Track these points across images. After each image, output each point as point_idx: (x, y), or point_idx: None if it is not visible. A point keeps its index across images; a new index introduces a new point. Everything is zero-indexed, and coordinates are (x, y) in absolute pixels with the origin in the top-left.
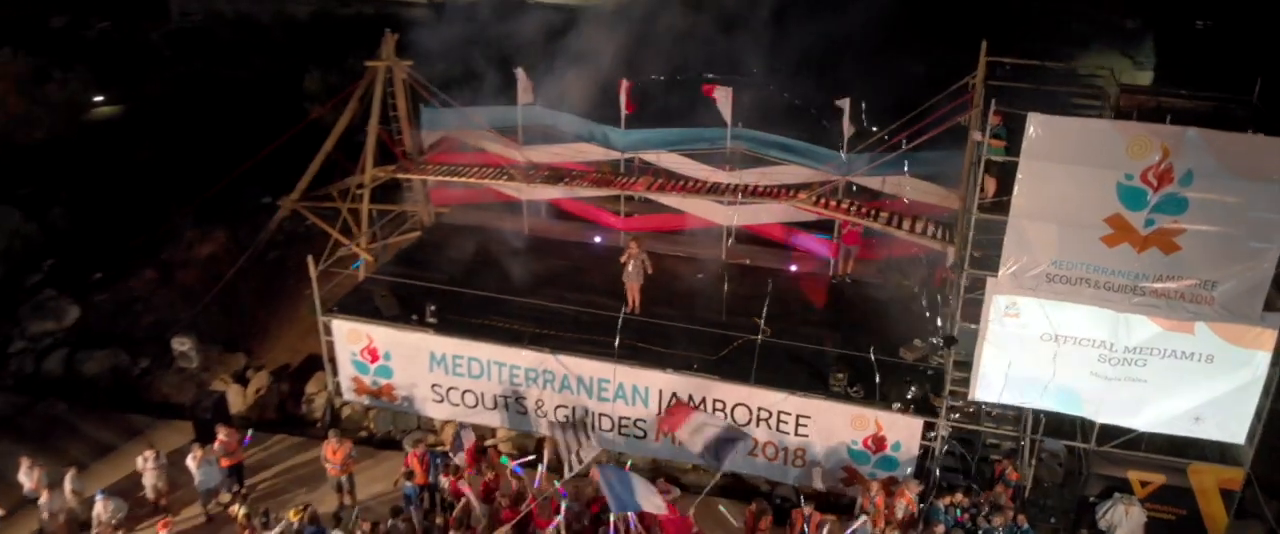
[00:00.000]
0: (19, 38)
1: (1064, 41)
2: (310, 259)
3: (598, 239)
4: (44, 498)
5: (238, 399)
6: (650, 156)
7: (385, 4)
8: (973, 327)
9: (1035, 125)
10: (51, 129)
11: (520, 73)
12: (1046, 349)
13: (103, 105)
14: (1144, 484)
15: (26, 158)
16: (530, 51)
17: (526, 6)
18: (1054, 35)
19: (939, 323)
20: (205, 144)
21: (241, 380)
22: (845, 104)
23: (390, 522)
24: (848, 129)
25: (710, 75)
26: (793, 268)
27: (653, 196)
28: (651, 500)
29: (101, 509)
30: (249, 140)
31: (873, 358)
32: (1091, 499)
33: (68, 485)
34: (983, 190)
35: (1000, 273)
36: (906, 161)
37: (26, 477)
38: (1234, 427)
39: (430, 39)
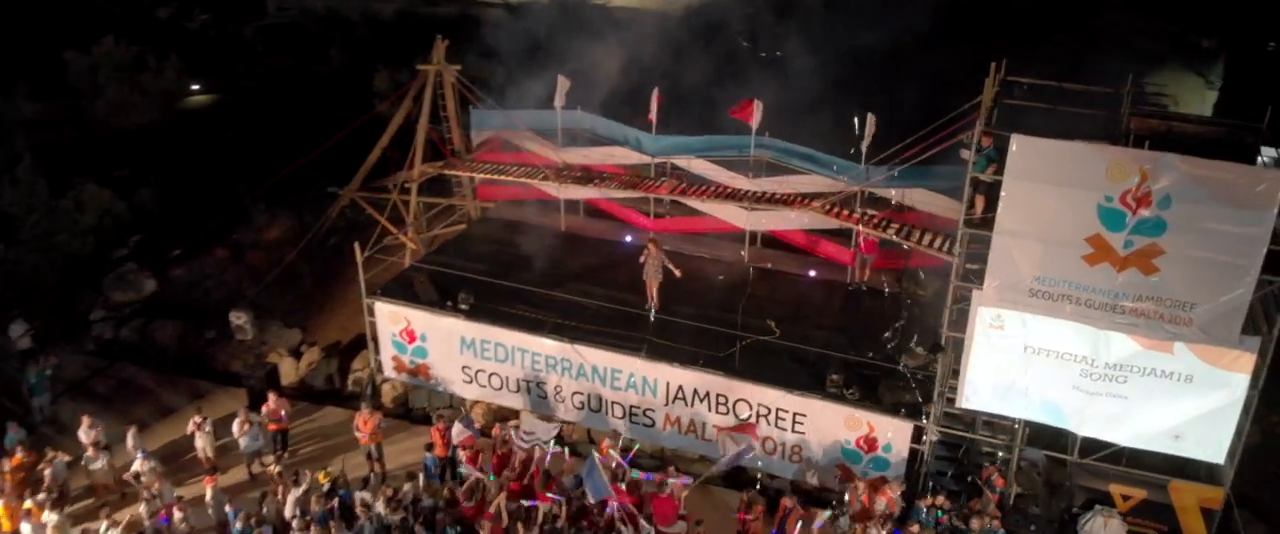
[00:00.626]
0: (124, 27)
1: (1138, 58)
2: (357, 245)
3: (628, 238)
4: (90, 453)
5: (290, 371)
6: (681, 162)
7: (468, 4)
8: (961, 336)
9: (1017, 145)
10: (147, 115)
11: (560, 78)
12: (1030, 361)
13: (196, 94)
14: (1125, 498)
15: (123, 142)
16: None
17: (591, 9)
18: (1129, 52)
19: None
20: (281, 134)
21: (295, 354)
22: (871, 118)
23: (406, 487)
24: (867, 140)
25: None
26: (812, 273)
27: (679, 200)
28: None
29: (139, 466)
30: (319, 132)
31: (870, 360)
32: (1074, 510)
33: (129, 442)
34: (972, 207)
35: (985, 286)
36: (921, 175)
37: (85, 434)
38: (1213, 446)
39: (500, 40)
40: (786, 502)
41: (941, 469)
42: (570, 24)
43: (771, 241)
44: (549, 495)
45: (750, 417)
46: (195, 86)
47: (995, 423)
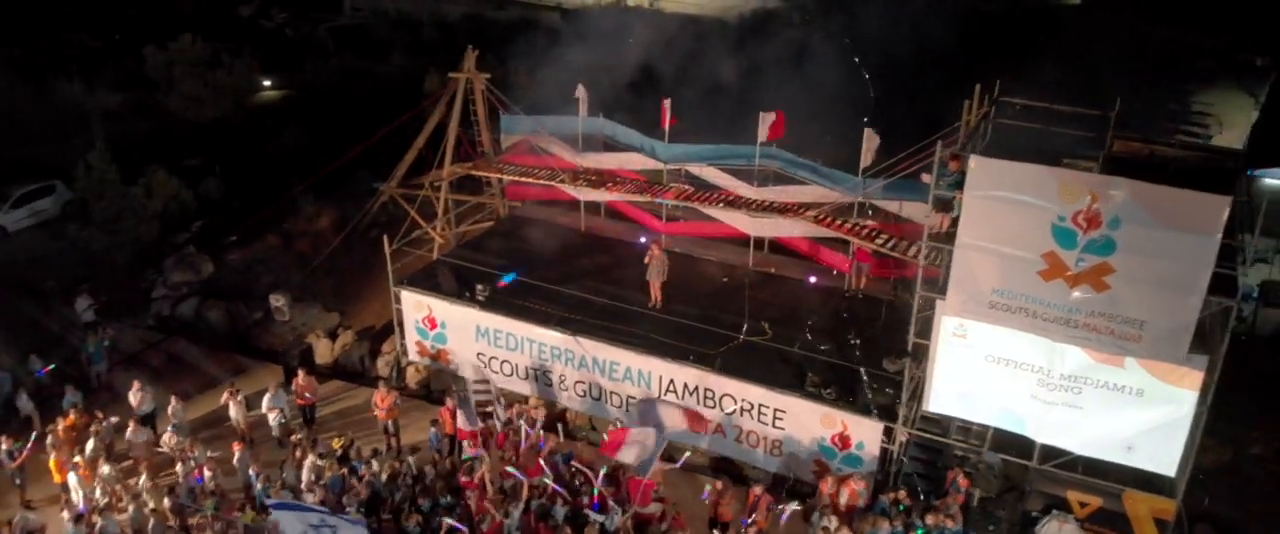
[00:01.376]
0: (205, 25)
1: (1190, 76)
2: (386, 237)
3: (643, 240)
4: (132, 428)
5: (325, 352)
6: (695, 169)
7: (534, 9)
8: (928, 343)
9: (975, 165)
10: (218, 109)
11: (580, 87)
12: (990, 370)
13: (267, 90)
14: (1083, 505)
15: (195, 133)
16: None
17: (644, 14)
18: (1181, 70)
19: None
20: (337, 131)
21: (332, 336)
22: (869, 133)
23: (409, 459)
24: (867, 155)
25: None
26: (812, 279)
27: (683, 205)
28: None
29: (167, 438)
30: (371, 130)
31: (850, 363)
32: (1033, 514)
33: (170, 410)
34: (944, 224)
35: (948, 297)
36: (912, 188)
37: (134, 397)
38: (1164, 459)
39: (551, 47)
40: (756, 490)
41: (918, 470)
42: (620, 29)
43: (778, 248)
44: (535, 472)
45: (734, 411)
46: (266, 83)
47: (970, 427)
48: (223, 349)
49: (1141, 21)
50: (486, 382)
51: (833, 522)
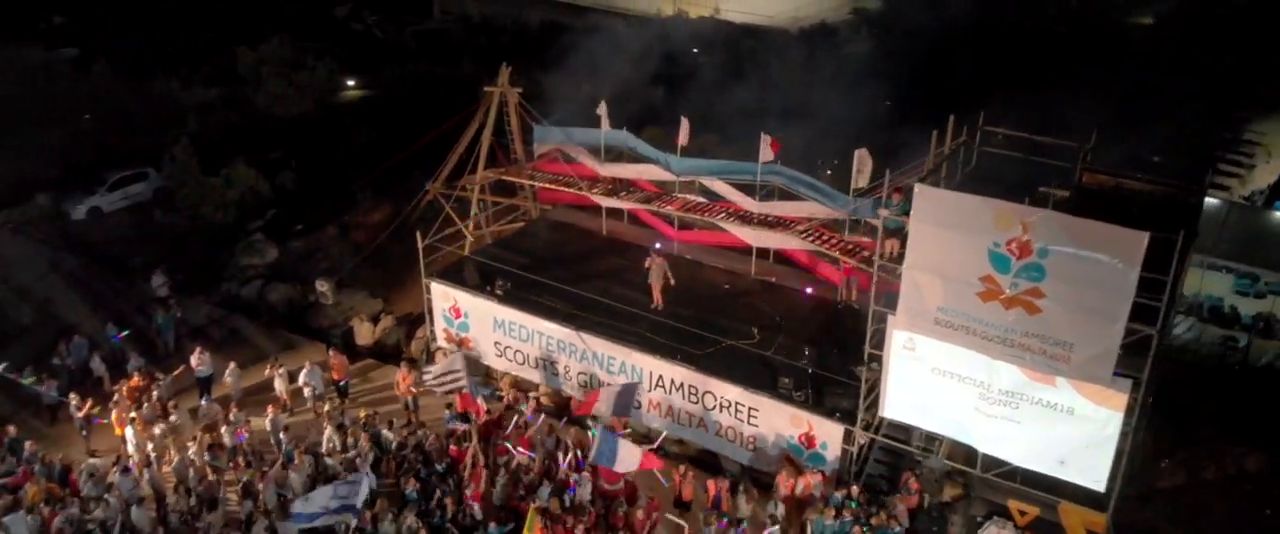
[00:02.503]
0: (299, 25)
1: (1252, 105)
2: (418, 233)
3: (657, 246)
4: (204, 403)
5: (367, 334)
6: (707, 181)
7: (614, 17)
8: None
9: (919, 194)
10: (300, 107)
11: (602, 103)
12: (937, 381)
13: (350, 89)
14: (1022, 513)
15: (279, 128)
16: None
17: (711, 24)
18: (1242, 100)
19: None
20: (403, 131)
21: (374, 320)
22: (860, 154)
23: (418, 432)
24: (858, 176)
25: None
26: (808, 290)
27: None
28: (627, 463)
29: (204, 408)
30: (428, 132)
31: (812, 370)
32: (979, 519)
33: (227, 377)
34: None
35: (898, 313)
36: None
37: (194, 360)
38: (1094, 474)
39: (613, 54)
40: (712, 484)
41: (882, 472)
42: (685, 39)
43: (782, 259)
44: (521, 450)
45: (715, 408)
46: (350, 83)
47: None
48: (278, 327)
49: (1209, 46)
50: (457, 372)
51: (780, 509)
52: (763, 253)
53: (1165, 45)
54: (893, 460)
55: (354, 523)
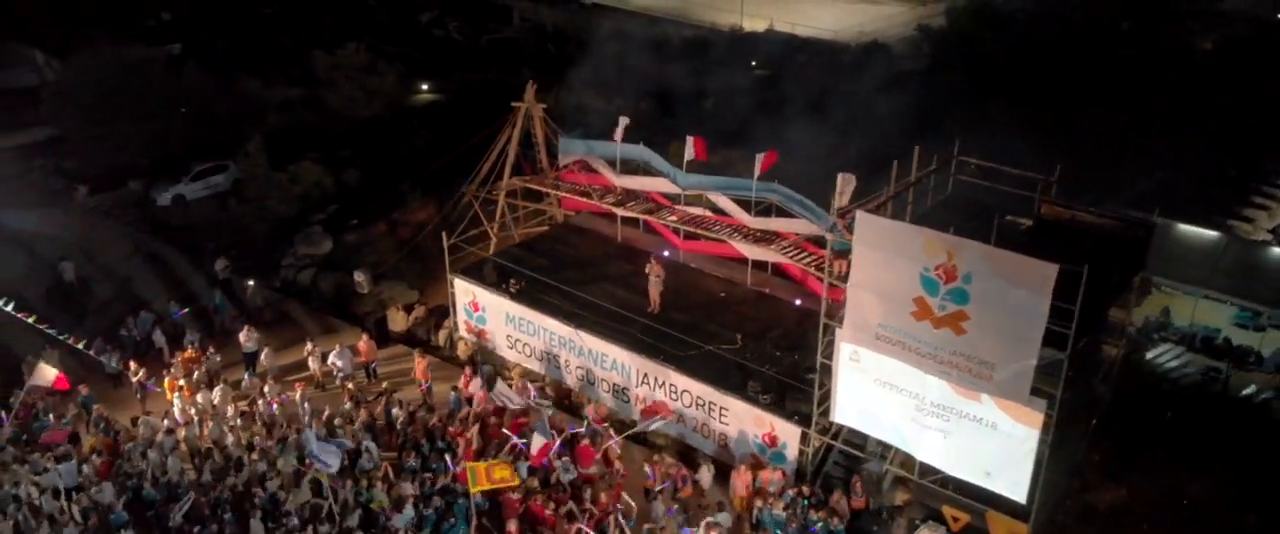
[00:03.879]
0: (383, 29)
1: None
2: (444, 233)
3: (666, 253)
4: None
5: (400, 322)
6: (712, 195)
7: (685, 27)
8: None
9: (860, 220)
10: (370, 110)
11: (621, 119)
12: (879, 391)
13: (423, 93)
14: (955, 519)
15: (350, 129)
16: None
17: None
18: None
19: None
20: (456, 137)
21: (408, 309)
22: (843, 177)
23: (422, 411)
24: (840, 196)
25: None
26: (797, 302)
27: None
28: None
29: (247, 382)
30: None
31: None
32: (916, 522)
33: (263, 358)
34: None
35: (843, 327)
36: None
37: (243, 337)
38: (1016, 486)
39: (666, 64)
40: (672, 470)
41: (839, 473)
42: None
43: (779, 272)
44: (514, 438)
45: (691, 405)
46: (424, 87)
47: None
48: (325, 312)
49: (1262, 74)
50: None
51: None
52: (761, 265)
53: (1220, 71)
54: (850, 463)
55: (332, 470)
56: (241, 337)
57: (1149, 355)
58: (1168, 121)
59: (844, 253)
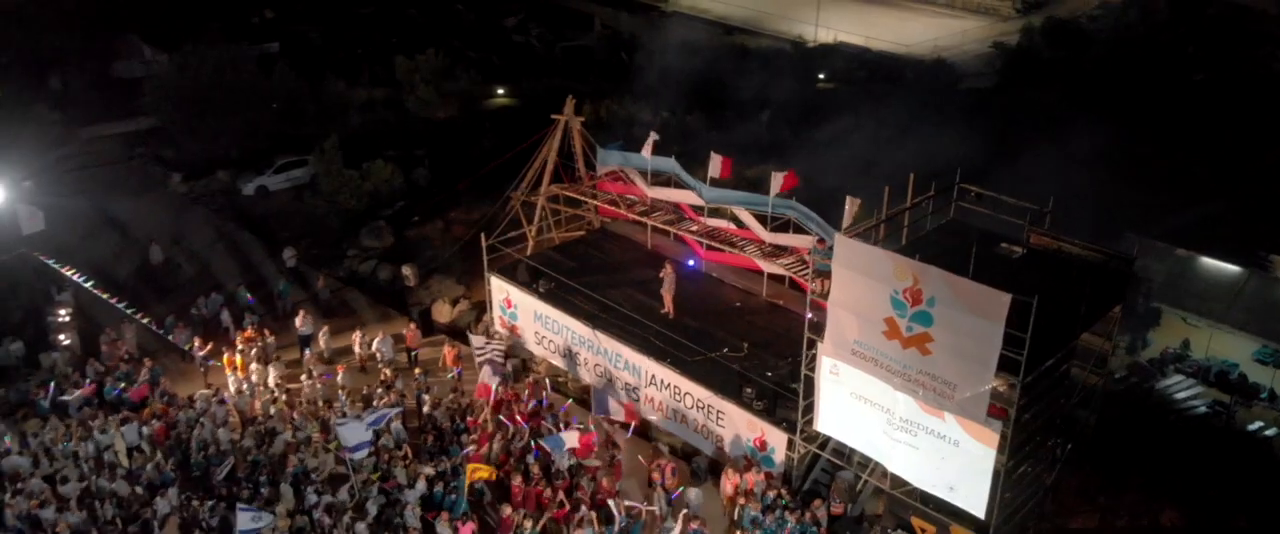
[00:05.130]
0: (467, 34)
1: None
2: (483, 234)
3: (691, 262)
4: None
5: (445, 314)
6: (734, 209)
7: (761, 38)
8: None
9: (838, 243)
10: (445, 112)
11: (651, 134)
12: (856, 404)
13: (497, 98)
14: (923, 530)
15: (424, 130)
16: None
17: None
18: None
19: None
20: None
21: (454, 303)
22: (852, 200)
23: (446, 398)
24: (848, 216)
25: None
26: (809, 315)
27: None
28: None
29: (309, 359)
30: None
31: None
32: (887, 531)
33: (321, 340)
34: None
35: (824, 341)
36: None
37: (299, 321)
38: (975, 501)
39: (735, 78)
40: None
41: (825, 479)
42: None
43: (795, 285)
44: (519, 421)
45: (692, 407)
46: (500, 91)
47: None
48: (381, 301)
49: None
50: (492, 341)
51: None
52: (778, 277)
53: None
54: (833, 470)
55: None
56: (297, 321)
57: (1161, 385)
58: (1228, 149)
59: (825, 272)
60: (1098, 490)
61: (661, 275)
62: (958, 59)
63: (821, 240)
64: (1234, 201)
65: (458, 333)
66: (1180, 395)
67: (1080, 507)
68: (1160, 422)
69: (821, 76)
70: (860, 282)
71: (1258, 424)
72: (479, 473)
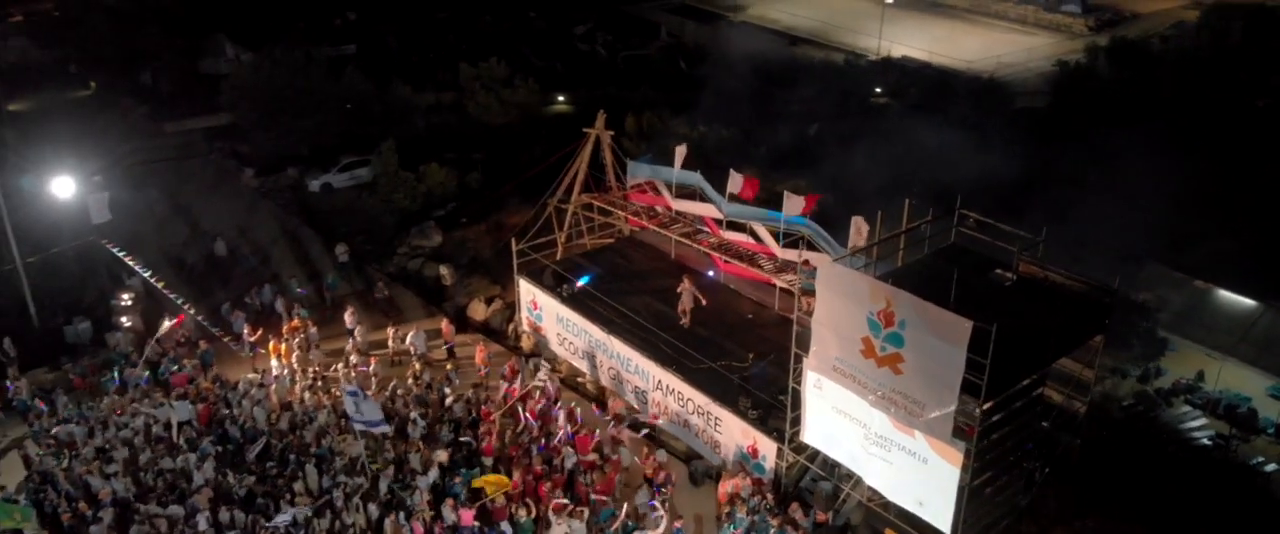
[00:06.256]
0: (536, 41)
1: None
2: (513, 239)
3: (710, 273)
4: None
5: (480, 311)
6: (753, 224)
7: (828, 50)
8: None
9: (820, 265)
10: (504, 118)
11: (679, 149)
12: (837, 418)
13: (557, 104)
14: None
15: (483, 135)
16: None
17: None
18: None
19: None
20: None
21: (489, 302)
22: (858, 220)
23: (468, 392)
24: (856, 237)
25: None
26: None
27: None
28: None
29: (349, 347)
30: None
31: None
32: None
33: (356, 334)
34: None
35: (809, 357)
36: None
37: (349, 318)
38: (942, 516)
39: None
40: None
41: (811, 487)
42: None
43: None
44: (530, 417)
45: (694, 413)
46: (561, 98)
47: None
48: (424, 298)
49: None
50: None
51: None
52: (792, 292)
53: None
54: (817, 480)
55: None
56: (347, 315)
57: (1167, 415)
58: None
59: (810, 291)
60: (1077, 514)
61: (680, 289)
62: (1019, 76)
63: (807, 262)
64: (1271, 235)
65: (490, 331)
66: (1185, 426)
67: (1058, 529)
68: (1157, 451)
69: (878, 91)
70: (840, 302)
71: (1259, 458)
72: (498, 485)
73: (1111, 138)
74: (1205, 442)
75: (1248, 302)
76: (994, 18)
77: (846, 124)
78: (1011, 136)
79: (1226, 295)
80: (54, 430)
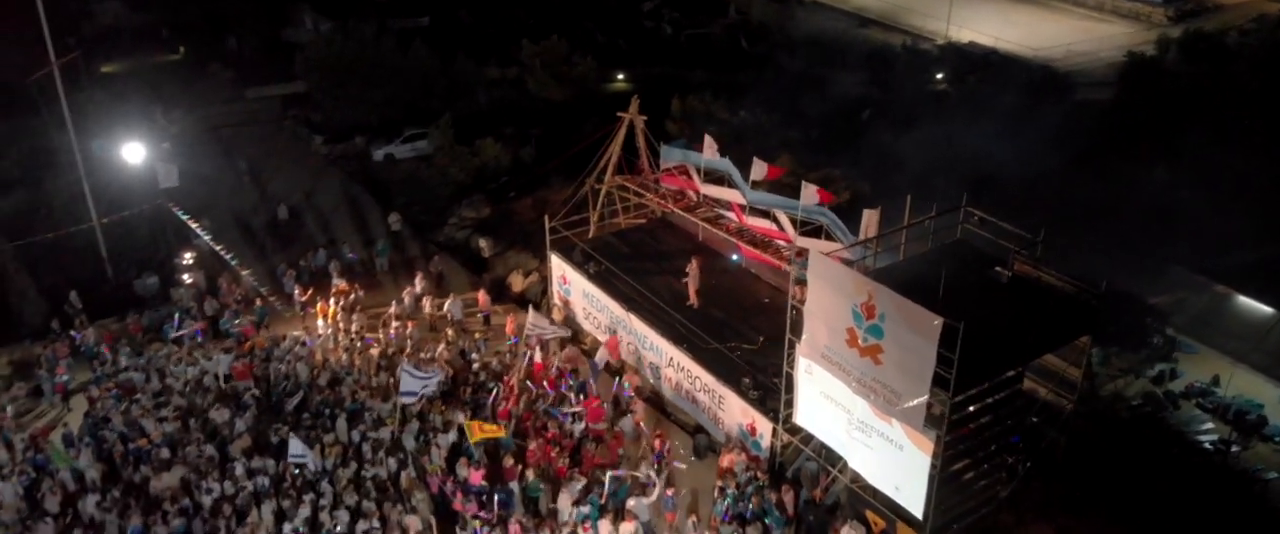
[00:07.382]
0: (603, 18)
1: None
2: (547, 216)
3: (734, 257)
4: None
5: (519, 283)
6: (775, 211)
7: (895, 32)
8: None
9: (811, 257)
10: (562, 94)
11: (708, 138)
12: (825, 403)
13: (616, 83)
14: (876, 523)
15: (542, 111)
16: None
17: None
18: None
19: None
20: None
21: (527, 274)
22: (870, 212)
23: (493, 359)
24: (869, 228)
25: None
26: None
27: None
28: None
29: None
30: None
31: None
32: (849, 520)
33: (407, 299)
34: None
35: (801, 343)
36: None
37: (418, 284)
38: (916, 502)
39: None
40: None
41: (803, 466)
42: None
43: None
44: (546, 386)
45: (701, 391)
46: (620, 76)
47: None
48: (469, 268)
49: None
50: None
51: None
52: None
53: None
54: (817, 460)
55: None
56: (417, 279)
57: (1176, 416)
58: None
59: (803, 281)
60: (1060, 508)
61: (687, 269)
62: (1088, 66)
63: (801, 251)
64: None
65: (526, 302)
66: (1191, 429)
67: (1038, 522)
68: (1154, 452)
69: (939, 76)
70: (828, 293)
71: (1259, 466)
72: (488, 427)
73: (1172, 135)
74: (1207, 446)
75: (1267, 309)
76: (1073, 4)
77: (900, 111)
78: (1065, 129)
79: (1246, 302)
80: (119, 376)
